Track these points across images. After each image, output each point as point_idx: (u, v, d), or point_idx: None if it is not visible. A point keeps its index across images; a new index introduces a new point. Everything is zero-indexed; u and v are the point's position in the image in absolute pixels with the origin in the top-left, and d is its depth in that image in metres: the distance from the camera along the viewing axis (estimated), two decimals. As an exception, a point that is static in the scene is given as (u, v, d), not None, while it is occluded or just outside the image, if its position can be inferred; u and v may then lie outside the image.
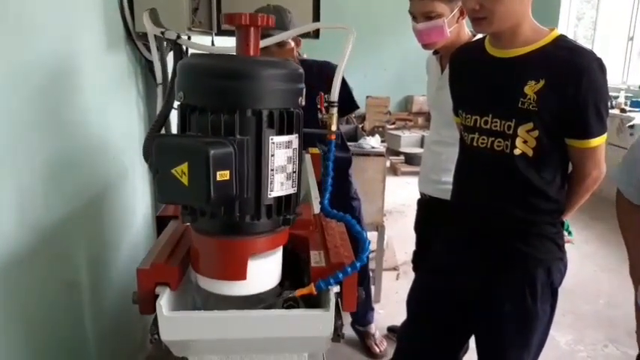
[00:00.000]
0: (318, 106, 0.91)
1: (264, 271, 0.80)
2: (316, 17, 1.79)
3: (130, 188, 1.67)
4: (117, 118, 1.55)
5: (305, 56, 5.18)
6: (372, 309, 2.67)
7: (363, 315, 2.59)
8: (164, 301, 0.78)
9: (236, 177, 0.67)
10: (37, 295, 1.12)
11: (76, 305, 1.32)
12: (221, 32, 1.83)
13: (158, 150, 0.67)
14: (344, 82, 2.20)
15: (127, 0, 1.50)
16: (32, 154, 1.08)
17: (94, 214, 1.42)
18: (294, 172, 0.76)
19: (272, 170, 0.73)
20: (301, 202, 0.86)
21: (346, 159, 2.34)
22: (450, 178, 1.56)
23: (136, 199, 1.75)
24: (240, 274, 0.75)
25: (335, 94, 0.86)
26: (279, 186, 0.74)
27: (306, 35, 1.72)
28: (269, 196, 0.74)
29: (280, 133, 0.73)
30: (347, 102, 2.30)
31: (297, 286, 0.88)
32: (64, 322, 1.26)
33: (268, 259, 0.80)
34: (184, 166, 0.64)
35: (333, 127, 0.87)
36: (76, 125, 1.28)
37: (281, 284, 0.96)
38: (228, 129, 0.69)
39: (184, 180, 0.65)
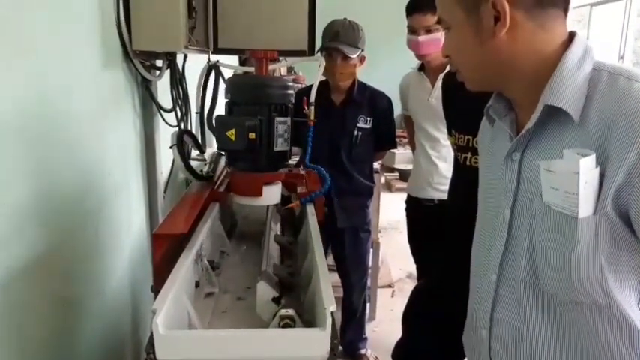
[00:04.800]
0: (304, 110, 1.42)
1: (271, 193, 1.32)
2: (311, 33, 1.81)
3: (125, 204, 1.67)
4: (113, 135, 1.55)
5: (300, 73, 5.26)
6: (365, 338, 2.64)
7: (350, 342, 2.57)
8: (160, 319, 0.78)
9: (258, 137, 1.21)
10: (31, 310, 1.11)
11: (69, 321, 1.30)
12: (217, 51, 1.85)
13: (219, 123, 1.21)
14: (392, 122, 2.33)
15: (124, 18, 1.52)
16: (28, 169, 1.08)
17: (90, 230, 1.42)
18: (287, 138, 1.28)
19: (276, 136, 1.25)
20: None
21: (369, 187, 2.38)
22: (443, 179, 1.61)
23: (132, 214, 1.74)
24: (258, 193, 1.29)
25: (312, 97, 1.41)
26: (279, 145, 1.26)
27: (301, 54, 1.85)
28: (274, 150, 1.26)
29: (280, 115, 1.26)
30: (387, 140, 2.39)
31: (293, 305, 0.96)
32: (57, 337, 1.24)
33: (273, 187, 1.32)
34: (233, 131, 1.18)
35: (312, 117, 1.40)
36: (72, 141, 1.30)
37: (277, 302, 0.96)
38: (254, 113, 1.22)
39: (232, 137, 1.18)
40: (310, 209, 1.36)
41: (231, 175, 1.36)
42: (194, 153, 1.70)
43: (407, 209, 2.49)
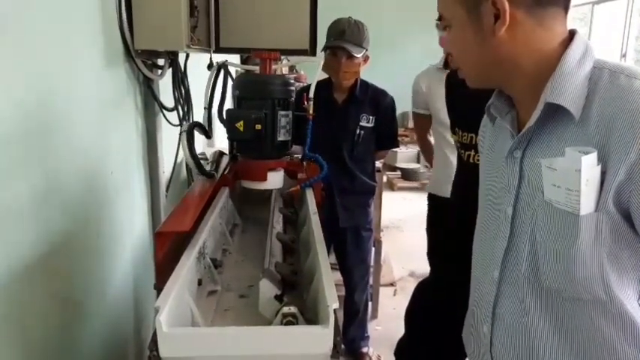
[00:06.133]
0: (304, 105, 1.53)
1: (274, 178, 1.47)
2: (313, 32, 1.82)
3: (128, 204, 1.67)
4: (115, 134, 1.56)
5: (302, 72, 5.26)
6: (367, 337, 2.64)
7: (352, 341, 2.57)
8: (163, 316, 0.78)
9: (263, 128, 1.36)
10: (33, 310, 1.11)
11: (71, 320, 1.30)
12: (219, 50, 1.85)
13: (229, 115, 1.34)
14: (395, 121, 2.33)
15: (126, 17, 1.52)
16: (31, 170, 1.09)
17: (92, 229, 1.42)
18: (289, 129, 1.44)
19: (279, 127, 1.40)
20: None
21: (371, 186, 2.39)
22: None
23: (134, 214, 1.75)
24: (263, 178, 1.45)
25: (311, 93, 1.52)
26: (282, 135, 1.42)
27: (302, 53, 1.87)
28: (277, 139, 1.41)
29: (283, 109, 1.41)
30: (388, 139, 2.39)
31: (295, 303, 0.95)
32: (59, 336, 1.24)
33: (276, 173, 1.48)
34: (241, 122, 1.32)
35: (310, 111, 1.52)
36: (74, 140, 1.30)
37: (280, 300, 0.96)
38: (260, 107, 1.37)
39: (241, 128, 1.32)
40: (312, 205, 1.38)
41: (239, 163, 1.53)
42: (197, 153, 1.70)
43: (431, 206, 2.45)
